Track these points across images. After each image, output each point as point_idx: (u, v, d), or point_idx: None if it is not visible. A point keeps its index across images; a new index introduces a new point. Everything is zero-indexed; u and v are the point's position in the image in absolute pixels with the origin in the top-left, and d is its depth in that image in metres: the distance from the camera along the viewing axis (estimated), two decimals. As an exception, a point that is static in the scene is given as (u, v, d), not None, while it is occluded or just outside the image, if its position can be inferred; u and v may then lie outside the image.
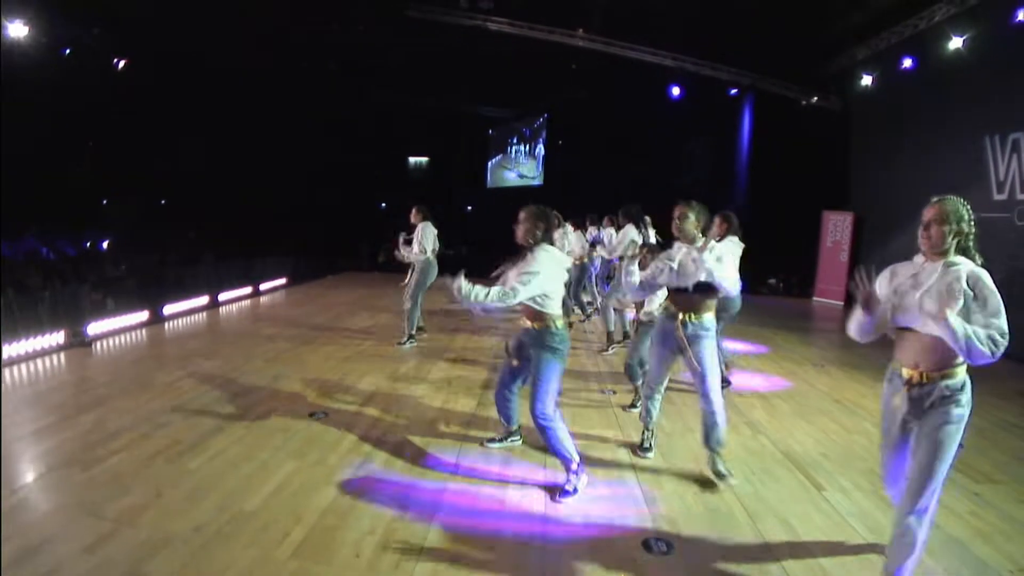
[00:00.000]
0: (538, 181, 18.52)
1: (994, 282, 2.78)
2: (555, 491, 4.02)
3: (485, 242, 16.45)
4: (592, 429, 5.25)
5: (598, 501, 4.02)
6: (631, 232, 7.89)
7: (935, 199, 2.91)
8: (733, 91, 13.78)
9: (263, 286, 10.56)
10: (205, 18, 10.66)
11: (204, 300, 9.01)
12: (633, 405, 5.70)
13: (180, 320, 8.57)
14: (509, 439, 4.74)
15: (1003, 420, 6.12)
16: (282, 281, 11.19)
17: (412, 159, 20.80)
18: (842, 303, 12.76)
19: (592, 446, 4.90)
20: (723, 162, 14.76)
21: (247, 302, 9.84)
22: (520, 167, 19.37)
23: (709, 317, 4.28)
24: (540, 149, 18.48)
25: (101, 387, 5.51)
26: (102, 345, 7.15)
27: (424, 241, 7.61)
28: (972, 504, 4.33)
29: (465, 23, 12.39)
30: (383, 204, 20.27)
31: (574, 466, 3.98)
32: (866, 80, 12.06)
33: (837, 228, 12.87)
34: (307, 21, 12.05)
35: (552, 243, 4.15)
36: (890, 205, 11.64)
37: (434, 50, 13.73)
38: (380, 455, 4.38)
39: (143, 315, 7.85)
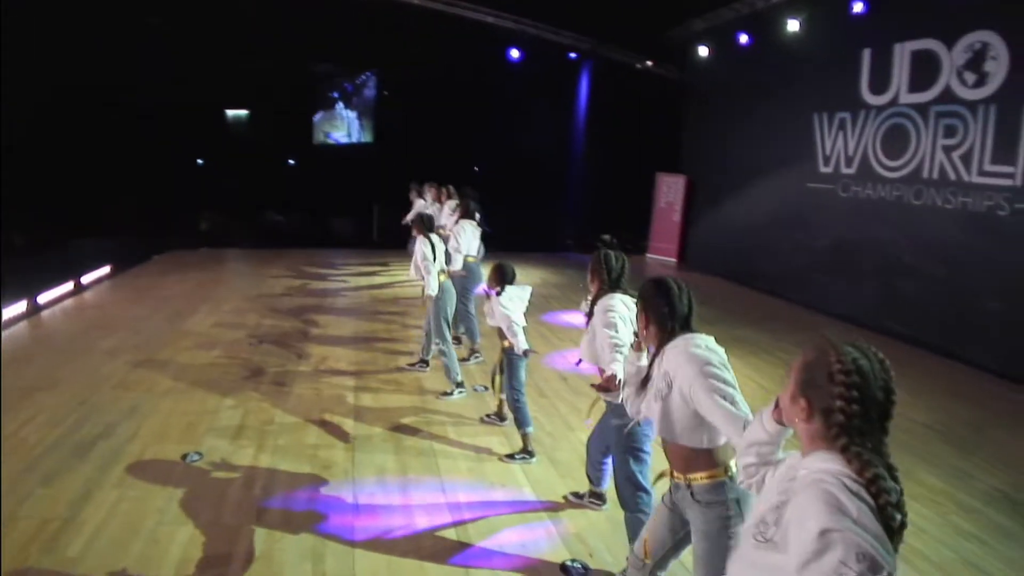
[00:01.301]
0: (366, 139, 18.01)
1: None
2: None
3: (312, 205, 15.81)
4: (476, 438, 5.41)
5: (507, 524, 4.22)
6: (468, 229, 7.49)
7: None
8: (573, 55, 14.10)
9: (85, 279, 9.45)
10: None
11: (23, 306, 7.85)
12: (501, 417, 5.70)
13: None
14: None
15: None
16: (106, 270, 10.07)
17: (231, 112, 19.33)
18: (675, 260, 13.80)
19: (482, 459, 5.07)
20: (561, 124, 15.18)
21: (71, 302, 8.75)
22: (347, 125, 18.69)
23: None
24: (370, 107, 17.92)
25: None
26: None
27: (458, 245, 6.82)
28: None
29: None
30: (200, 161, 18.79)
31: None
32: (703, 51, 12.80)
33: (671, 190, 13.78)
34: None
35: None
36: (722, 171, 12.66)
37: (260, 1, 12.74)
38: (274, 501, 4.25)
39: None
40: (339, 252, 13.80)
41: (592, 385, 3.45)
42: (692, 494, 2.56)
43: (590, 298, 3.84)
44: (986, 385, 7.32)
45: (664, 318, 2.62)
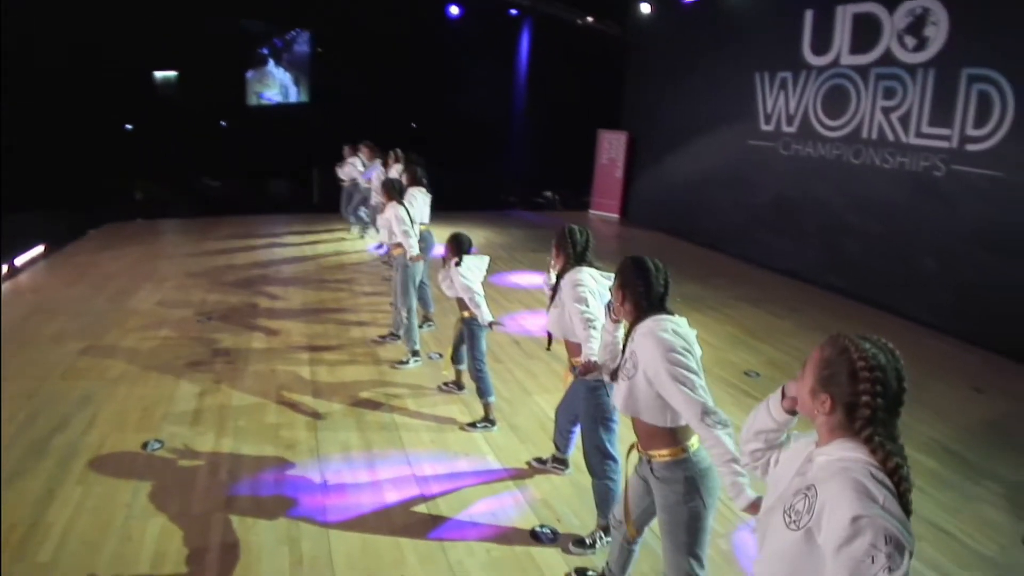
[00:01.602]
0: (302, 98, 17.49)
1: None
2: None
3: (249, 169, 15.29)
4: (436, 408, 5.49)
5: (475, 494, 4.34)
6: (419, 197, 7.39)
7: None
8: (513, 11, 13.88)
9: (19, 260, 8.97)
10: None
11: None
12: (459, 385, 5.77)
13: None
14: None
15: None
16: (39, 249, 9.62)
17: (159, 74, 18.44)
18: (617, 216, 13.95)
19: (444, 429, 5.16)
20: (502, 81, 15.00)
21: (7, 286, 8.27)
22: (279, 83, 18.10)
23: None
24: (305, 66, 17.36)
25: None
26: None
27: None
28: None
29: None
30: (129, 126, 17.93)
31: None
32: (645, 8, 12.76)
33: (612, 146, 13.85)
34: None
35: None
36: (664, 128, 12.77)
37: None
38: (242, 487, 4.26)
39: None
40: (280, 218, 13.46)
41: (574, 371, 3.49)
42: (652, 470, 2.71)
43: (555, 272, 3.87)
44: (925, 340, 7.69)
45: (640, 297, 2.69)
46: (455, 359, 5.54)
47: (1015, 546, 4.03)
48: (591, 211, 14.43)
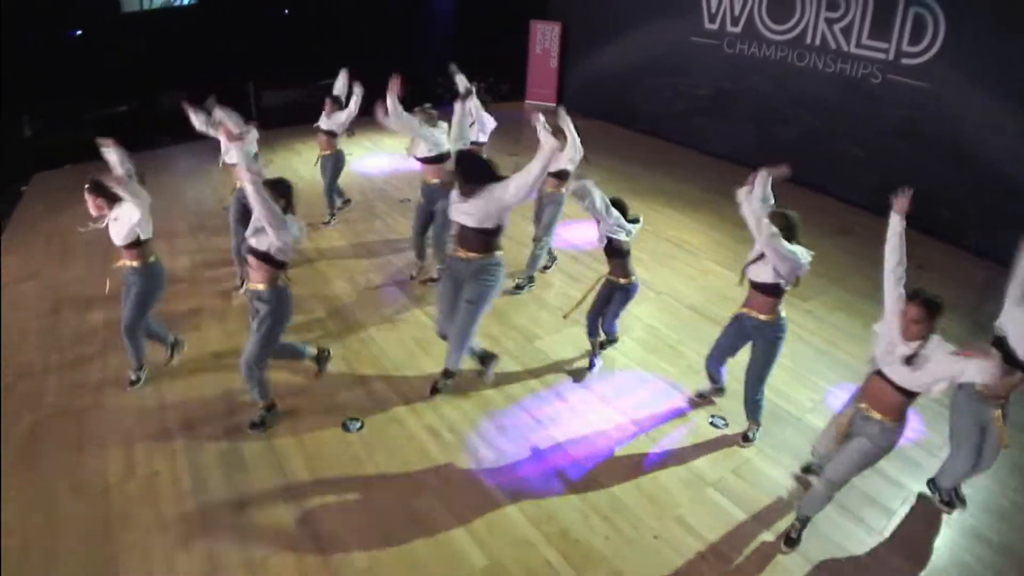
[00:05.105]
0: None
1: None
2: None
3: (157, 87, 12.90)
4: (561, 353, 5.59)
5: (670, 427, 4.74)
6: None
7: None
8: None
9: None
10: None
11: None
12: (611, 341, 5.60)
13: None
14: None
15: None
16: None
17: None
18: (554, 104, 13.73)
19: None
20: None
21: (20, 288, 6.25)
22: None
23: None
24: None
25: None
26: None
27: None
28: (809, 320, 6.05)
29: None
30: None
31: None
32: None
33: (545, 36, 13.43)
34: None
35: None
36: (596, 16, 12.45)
37: None
38: (502, 466, 4.36)
39: None
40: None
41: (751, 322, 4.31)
42: (882, 429, 3.45)
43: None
44: (861, 219, 8.44)
45: (936, 322, 3.33)
46: (595, 331, 5.27)
47: None
48: (527, 100, 14.11)
